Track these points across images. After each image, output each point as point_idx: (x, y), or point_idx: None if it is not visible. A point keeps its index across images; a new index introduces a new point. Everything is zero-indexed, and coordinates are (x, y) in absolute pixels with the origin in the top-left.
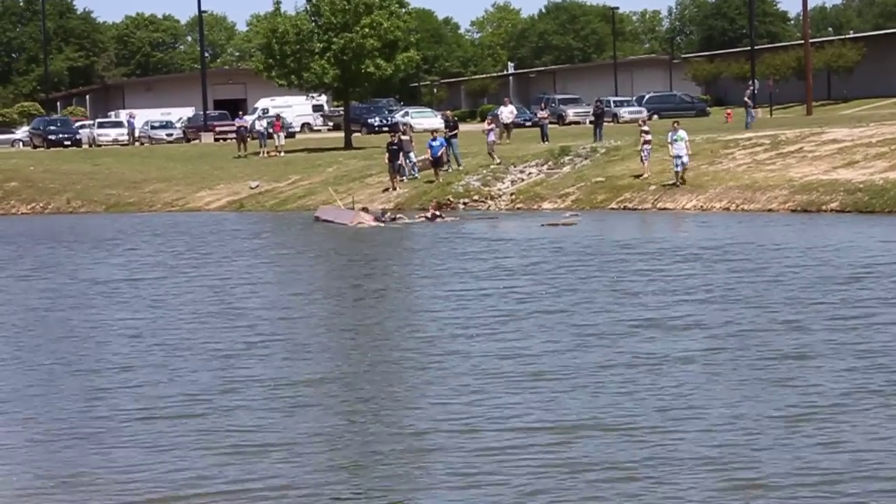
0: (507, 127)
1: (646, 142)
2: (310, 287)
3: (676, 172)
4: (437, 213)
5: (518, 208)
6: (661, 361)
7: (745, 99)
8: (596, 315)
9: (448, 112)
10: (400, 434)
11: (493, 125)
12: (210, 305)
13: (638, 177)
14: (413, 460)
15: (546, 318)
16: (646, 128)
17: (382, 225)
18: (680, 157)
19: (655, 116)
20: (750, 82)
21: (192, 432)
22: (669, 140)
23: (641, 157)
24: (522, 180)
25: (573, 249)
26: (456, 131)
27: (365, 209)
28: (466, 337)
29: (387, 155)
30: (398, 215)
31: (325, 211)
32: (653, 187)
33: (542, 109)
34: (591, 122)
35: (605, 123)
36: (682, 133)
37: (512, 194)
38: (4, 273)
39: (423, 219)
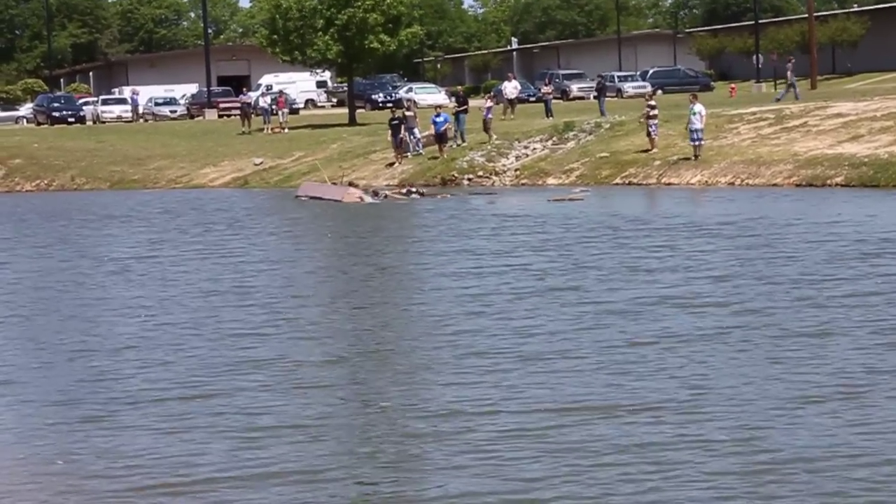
0: (511, 102)
1: (652, 116)
2: (319, 265)
3: (693, 146)
4: (412, 189)
5: (523, 184)
6: (678, 340)
7: (789, 73)
8: (611, 292)
9: (459, 87)
10: (416, 416)
11: (491, 103)
12: (219, 284)
13: (646, 151)
14: (430, 442)
15: (561, 295)
16: (652, 102)
17: (371, 200)
18: (696, 130)
19: (660, 91)
20: (790, 56)
21: (204, 414)
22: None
23: (649, 132)
24: (527, 156)
25: (584, 225)
26: (465, 107)
27: (352, 184)
28: (481, 315)
29: (389, 130)
30: (388, 192)
31: (310, 187)
32: (657, 162)
33: (545, 85)
34: (594, 98)
35: (608, 99)
36: (696, 107)
37: (516, 170)
38: (16, 250)
39: (399, 195)
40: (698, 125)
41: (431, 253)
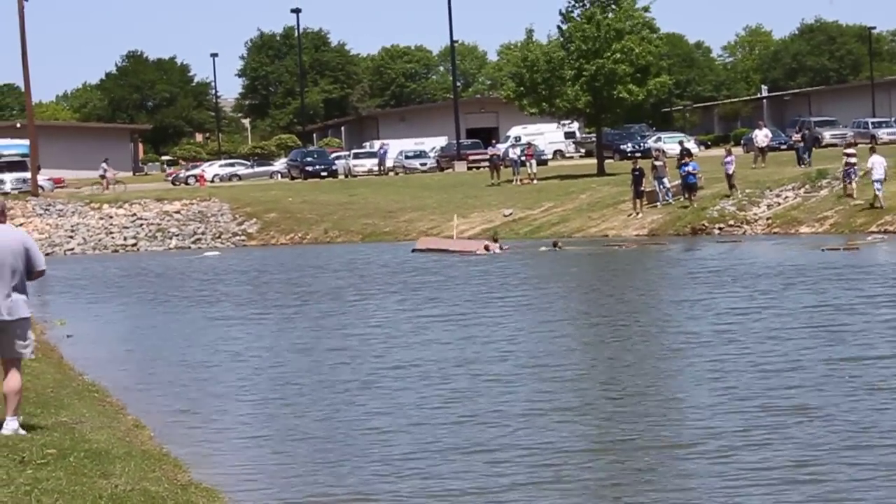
0: (762, 151)
1: (849, 164)
2: (579, 329)
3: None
4: (496, 242)
5: (775, 233)
6: None
7: None
8: None
9: (682, 140)
10: None
11: (731, 156)
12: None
13: (849, 196)
14: None
15: (851, 366)
16: (850, 150)
17: (500, 252)
18: (876, 180)
19: None
20: None
21: None
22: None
23: (848, 179)
24: (778, 204)
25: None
26: (686, 160)
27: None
28: (777, 394)
29: (631, 180)
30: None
31: (431, 241)
32: None
33: (797, 132)
34: (800, 147)
35: (862, 145)
36: (871, 159)
37: (768, 219)
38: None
39: (480, 251)
40: (877, 175)
41: (702, 310)
